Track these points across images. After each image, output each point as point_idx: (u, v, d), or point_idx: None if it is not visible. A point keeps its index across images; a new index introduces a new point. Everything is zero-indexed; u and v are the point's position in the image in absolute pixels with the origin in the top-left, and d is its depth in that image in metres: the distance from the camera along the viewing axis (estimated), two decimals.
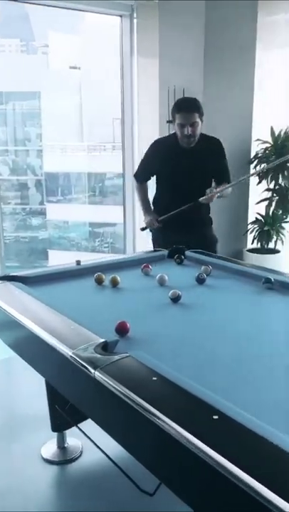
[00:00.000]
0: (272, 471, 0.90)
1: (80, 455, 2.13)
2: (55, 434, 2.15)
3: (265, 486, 0.84)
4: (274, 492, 0.82)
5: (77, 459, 2.12)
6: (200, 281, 2.17)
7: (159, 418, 1.06)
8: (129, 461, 1.62)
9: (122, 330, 1.62)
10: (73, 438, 2.19)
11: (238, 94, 4.17)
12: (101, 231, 10.85)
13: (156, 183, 3.09)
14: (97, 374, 1.29)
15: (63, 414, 1.92)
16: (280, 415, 1.14)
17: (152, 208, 3.09)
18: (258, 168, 4.28)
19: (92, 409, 1.45)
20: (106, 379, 1.26)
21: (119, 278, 2.20)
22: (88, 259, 2.74)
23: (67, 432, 2.17)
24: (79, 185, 11.03)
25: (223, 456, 0.92)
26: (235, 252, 4.35)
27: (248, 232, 4.48)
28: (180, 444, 1.00)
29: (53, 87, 15.06)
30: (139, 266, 2.44)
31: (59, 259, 8.85)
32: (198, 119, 2.78)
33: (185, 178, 2.91)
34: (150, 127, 4.43)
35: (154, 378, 1.25)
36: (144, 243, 4.86)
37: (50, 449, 2.15)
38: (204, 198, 2.82)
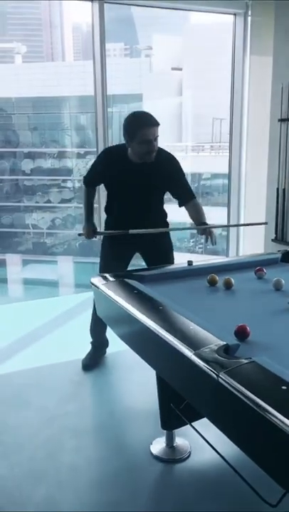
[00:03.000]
0: None
1: (188, 455, 2.13)
2: (164, 431, 2.17)
3: None
4: None
5: (185, 459, 2.11)
6: None
7: None
8: (243, 465, 1.59)
9: (242, 333, 1.59)
10: (181, 438, 2.19)
11: None
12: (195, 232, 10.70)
13: (107, 192, 2.88)
14: (222, 377, 1.28)
15: (178, 413, 1.93)
16: None
17: (106, 215, 2.90)
18: None
19: (213, 411, 1.44)
20: (232, 383, 1.24)
21: (233, 280, 2.17)
22: (198, 260, 2.74)
23: (174, 431, 2.18)
24: None
25: None
26: None
27: None
28: None
29: (155, 88, 15.34)
30: (250, 269, 2.39)
31: None
32: (158, 133, 2.56)
33: (135, 193, 2.70)
34: (259, 126, 4.32)
35: (284, 387, 1.20)
36: (248, 246, 4.75)
37: (159, 446, 2.17)
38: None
